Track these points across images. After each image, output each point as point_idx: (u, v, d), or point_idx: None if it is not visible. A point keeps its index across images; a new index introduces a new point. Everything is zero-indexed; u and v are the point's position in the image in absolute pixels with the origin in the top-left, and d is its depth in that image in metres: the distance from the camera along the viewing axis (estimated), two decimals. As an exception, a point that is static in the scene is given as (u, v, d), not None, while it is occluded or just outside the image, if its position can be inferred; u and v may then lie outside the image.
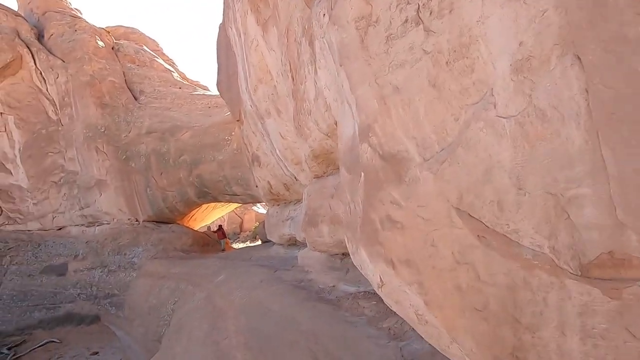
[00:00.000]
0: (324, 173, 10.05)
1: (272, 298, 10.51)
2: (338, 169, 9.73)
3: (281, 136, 11.95)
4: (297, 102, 9.65)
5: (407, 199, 2.27)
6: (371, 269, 2.71)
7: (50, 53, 17.64)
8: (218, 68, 14.59)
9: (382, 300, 8.71)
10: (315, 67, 8.23)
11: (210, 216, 22.53)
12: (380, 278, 2.62)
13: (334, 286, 10.14)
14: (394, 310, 2.88)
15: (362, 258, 2.83)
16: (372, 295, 8.73)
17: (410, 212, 2.25)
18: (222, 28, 14.17)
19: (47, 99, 18.06)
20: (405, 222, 2.29)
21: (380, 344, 6.92)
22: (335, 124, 8.04)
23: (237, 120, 14.53)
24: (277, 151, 12.61)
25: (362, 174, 2.66)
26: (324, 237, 9.52)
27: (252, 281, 12.25)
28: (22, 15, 18.60)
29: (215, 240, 19.68)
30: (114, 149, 17.42)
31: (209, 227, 23.96)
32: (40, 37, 18.19)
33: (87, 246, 18.64)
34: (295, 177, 12.80)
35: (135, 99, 17.57)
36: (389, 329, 7.27)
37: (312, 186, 10.25)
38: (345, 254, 10.53)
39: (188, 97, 17.68)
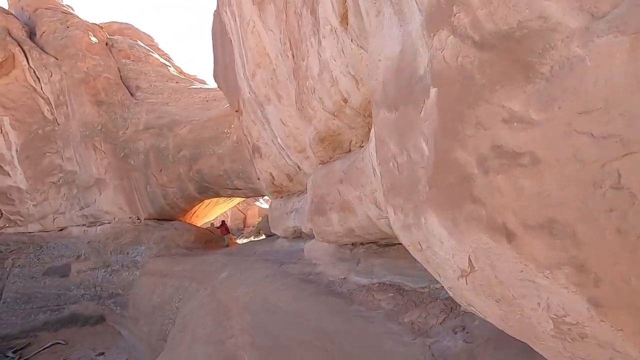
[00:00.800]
0: (330, 158, 8.86)
1: (278, 293, 9.37)
2: (346, 152, 8.55)
3: (282, 123, 10.76)
4: (298, 82, 8.46)
5: (547, 106, 1.11)
6: (450, 246, 1.56)
7: (43, 51, 16.34)
8: (214, 58, 13.40)
9: (400, 291, 7.54)
10: (318, 38, 7.06)
11: (212, 212, 21.31)
12: (470, 260, 1.48)
13: (344, 278, 8.99)
14: (482, 314, 1.71)
15: (429, 231, 1.68)
16: (387, 286, 7.60)
17: (553, 130, 1.10)
18: (217, 15, 12.98)
19: (42, 98, 16.79)
20: (542, 151, 1.14)
21: (404, 341, 5.76)
22: (344, 100, 6.85)
23: (236, 111, 13.34)
24: (279, 139, 11.43)
25: (433, 91, 1.51)
26: (333, 226, 8.35)
27: (256, 276, 11.11)
28: (13, 13, 17.30)
29: (218, 236, 18.48)
30: (111, 147, 16.17)
31: (212, 224, 22.76)
32: (32, 35, 16.87)
33: (89, 246, 17.44)
34: (298, 167, 11.62)
35: (132, 95, 16.31)
36: (412, 323, 6.12)
37: (318, 172, 9.08)
38: (355, 244, 9.37)
39: (185, 91, 16.44)
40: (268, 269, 11.43)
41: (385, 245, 8.94)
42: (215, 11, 13.06)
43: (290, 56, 9.04)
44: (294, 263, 11.33)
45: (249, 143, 13.43)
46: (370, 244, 9.21)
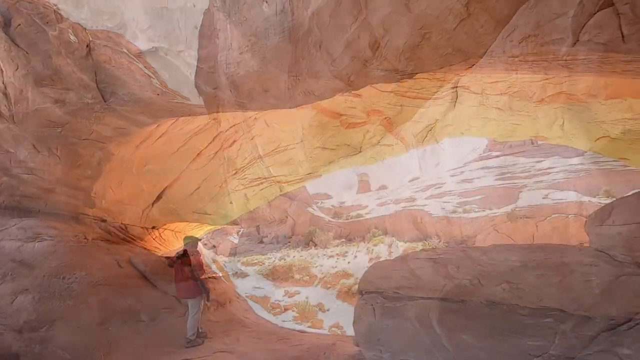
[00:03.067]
0: (330, 163, 5.36)
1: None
2: (354, 154, 5.01)
3: (266, 124, 7.23)
4: (296, 45, 5.06)
5: None
6: None
7: (14, 43, 12.65)
8: (198, 58, 9.95)
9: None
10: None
11: (182, 234, 16.53)
12: None
13: None
14: None
15: None
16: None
17: None
18: (208, 13, 9.73)
19: (2, 92, 12.71)
20: None
21: None
22: (372, 44, 3.45)
23: (214, 120, 9.69)
24: (259, 148, 7.78)
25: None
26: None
27: None
28: (-11, 2, 13.87)
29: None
30: (69, 152, 12.01)
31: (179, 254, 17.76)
32: (6, 26, 13.33)
33: (19, 265, 12.41)
34: (280, 185, 7.89)
35: (105, 100, 12.68)
36: None
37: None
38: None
39: (165, 104, 12.99)
40: None
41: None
42: (205, 9, 9.79)
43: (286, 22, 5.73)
44: None
45: (224, 158, 9.69)
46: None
